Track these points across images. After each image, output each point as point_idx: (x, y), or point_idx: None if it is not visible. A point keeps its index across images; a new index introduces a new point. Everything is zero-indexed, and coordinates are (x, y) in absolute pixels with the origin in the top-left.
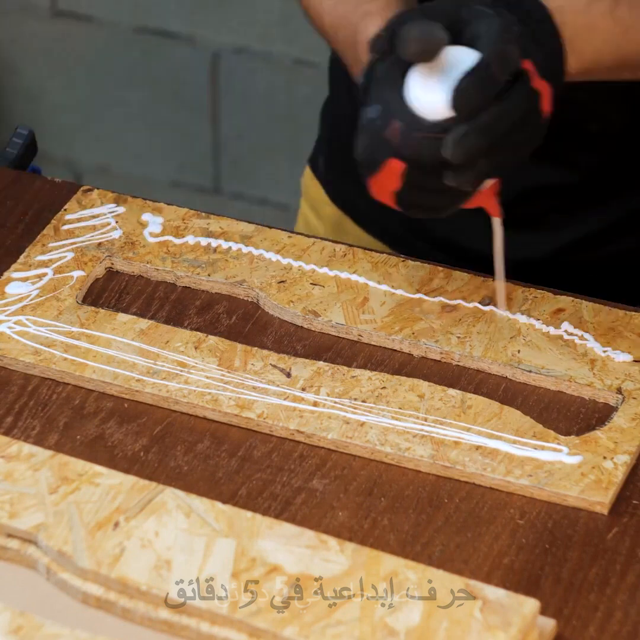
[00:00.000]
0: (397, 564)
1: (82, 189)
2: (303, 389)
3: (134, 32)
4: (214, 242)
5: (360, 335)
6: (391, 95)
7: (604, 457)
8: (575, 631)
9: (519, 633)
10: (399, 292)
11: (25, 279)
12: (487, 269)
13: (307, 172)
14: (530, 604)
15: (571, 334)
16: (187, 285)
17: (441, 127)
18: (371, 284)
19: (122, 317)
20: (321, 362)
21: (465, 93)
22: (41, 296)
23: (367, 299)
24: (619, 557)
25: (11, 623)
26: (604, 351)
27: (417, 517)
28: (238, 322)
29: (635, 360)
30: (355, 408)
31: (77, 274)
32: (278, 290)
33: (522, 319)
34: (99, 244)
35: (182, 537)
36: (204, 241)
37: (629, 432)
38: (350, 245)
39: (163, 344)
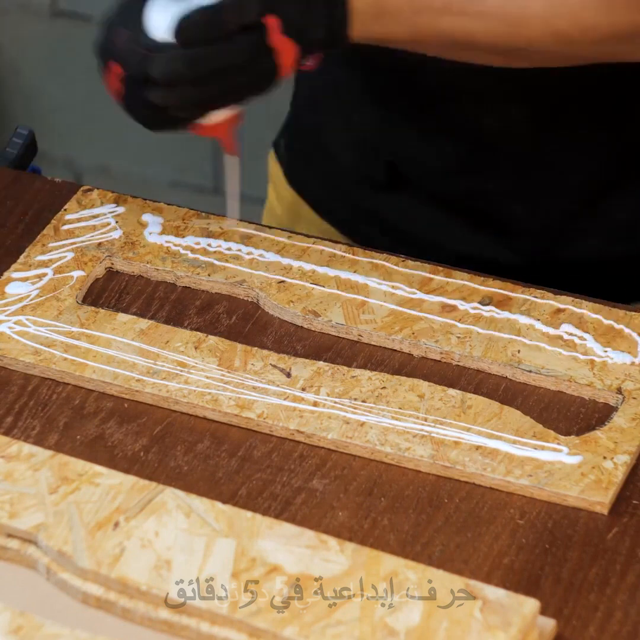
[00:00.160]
0: (397, 564)
1: (82, 189)
2: (303, 389)
3: None
4: (214, 242)
5: (360, 335)
6: (135, 5)
7: (604, 457)
8: (575, 631)
9: (519, 633)
10: (399, 292)
11: (25, 279)
12: (437, 258)
13: (271, 154)
14: (530, 604)
15: (571, 334)
16: (187, 285)
17: (159, 48)
18: (371, 284)
19: (122, 317)
20: (321, 362)
21: (187, 24)
22: (41, 296)
23: (367, 299)
24: (619, 557)
25: (11, 623)
26: (604, 351)
27: (417, 517)
28: (238, 322)
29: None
30: (355, 408)
31: (77, 274)
32: (278, 290)
33: (522, 319)
34: (99, 244)
35: (182, 537)
36: (203, 241)
37: (629, 432)
38: (350, 245)
39: (163, 344)
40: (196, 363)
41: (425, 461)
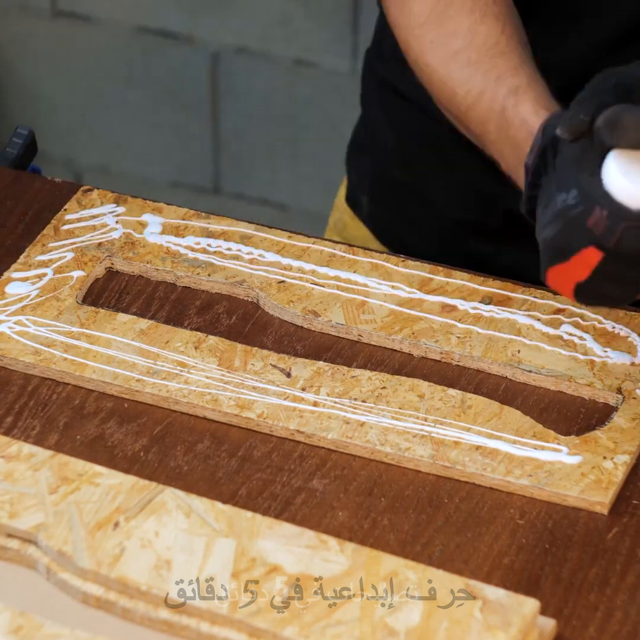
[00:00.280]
0: (397, 564)
1: (82, 189)
2: (303, 389)
3: (134, 32)
4: (214, 242)
5: (360, 335)
6: (590, 180)
7: (604, 457)
8: (575, 631)
9: (519, 633)
10: (399, 292)
11: (25, 279)
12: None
13: (346, 211)
14: (530, 604)
15: (571, 334)
16: (187, 285)
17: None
18: (371, 284)
19: (122, 317)
20: (321, 362)
21: None
22: (41, 296)
23: (367, 299)
24: (619, 557)
25: (11, 623)
26: (604, 351)
27: (417, 517)
28: (238, 322)
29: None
30: (355, 408)
31: (77, 274)
32: (278, 290)
33: (522, 319)
34: (99, 244)
35: (182, 537)
36: (204, 241)
37: (629, 432)
38: (351, 245)
39: (163, 344)
40: (196, 363)
41: (425, 461)
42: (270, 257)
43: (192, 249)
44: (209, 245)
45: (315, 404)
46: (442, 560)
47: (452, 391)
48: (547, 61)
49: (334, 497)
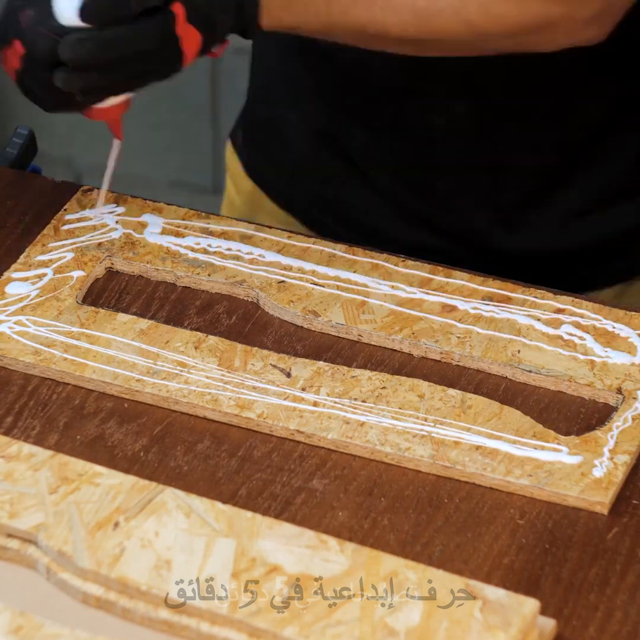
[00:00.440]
0: (397, 564)
1: (82, 189)
2: (303, 389)
3: None
4: (214, 242)
5: (360, 335)
6: None
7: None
8: (575, 631)
9: (519, 633)
10: (399, 292)
11: (25, 279)
12: (396, 249)
13: (228, 146)
14: (530, 604)
15: (571, 334)
16: (187, 285)
17: (66, 31)
18: (371, 283)
19: (122, 317)
20: (321, 362)
21: (94, 5)
22: (41, 296)
23: (367, 299)
24: (619, 557)
25: (11, 623)
26: (604, 351)
27: (417, 517)
28: (238, 322)
29: None
30: (355, 408)
31: (77, 274)
32: (278, 290)
33: (522, 319)
34: (99, 244)
35: (182, 537)
36: (204, 241)
37: (629, 432)
38: (350, 245)
39: (163, 344)
40: (196, 363)
41: (425, 461)
42: (270, 257)
43: (192, 249)
44: (209, 245)
45: (315, 404)
46: (442, 560)
47: (452, 391)
48: None
49: (334, 497)
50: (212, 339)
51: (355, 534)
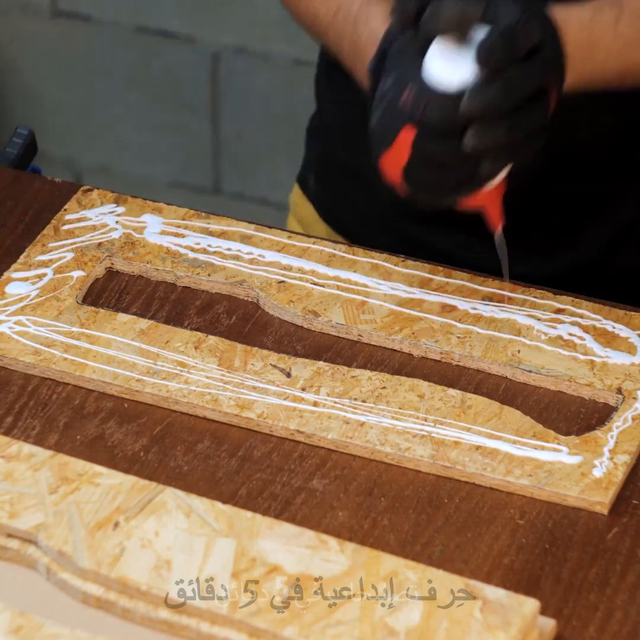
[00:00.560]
0: (397, 564)
1: (82, 189)
2: (303, 389)
3: (134, 32)
4: (214, 242)
5: (360, 335)
6: (408, 65)
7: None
8: (575, 631)
9: (519, 633)
10: (399, 292)
11: (25, 279)
12: (485, 271)
13: (296, 191)
14: (530, 604)
15: (571, 334)
16: (187, 285)
17: (459, 91)
18: (371, 283)
19: (122, 317)
20: (321, 362)
21: (491, 47)
22: (41, 296)
23: (367, 299)
24: (619, 557)
25: (11, 623)
26: (604, 351)
27: (417, 517)
28: (238, 322)
29: None
30: (355, 408)
31: (77, 274)
32: (278, 290)
33: (522, 319)
34: (99, 244)
35: (182, 537)
36: (204, 241)
37: (629, 432)
38: (351, 245)
39: (163, 344)
40: (196, 363)
41: (425, 461)
42: (270, 257)
43: (192, 249)
44: (209, 245)
45: (315, 404)
46: (442, 560)
47: (452, 391)
48: None
49: (334, 497)
50: (212, 339)
51: (355, 534)
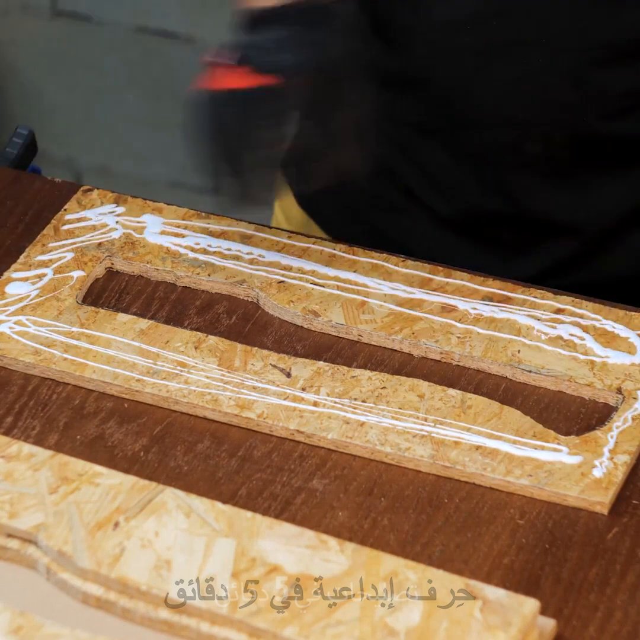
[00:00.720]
0: (397, 564)
1: (82, 189)
2: (303, 389)
3: (134, 32)
4: (214, 242)
5: (360, 335)
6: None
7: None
8: (575, 631)
9: (519, 633)
10: (399, 292)
11: (25, 279)
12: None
13: (279, 174)
14: (530, 604)
15: (571, 334)
16: (187, 285)
17: None
18: (371, 284)
19: (122, 317)
20: (321, 362)
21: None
22: (41, 296)
23: (367, 299)
24: (619, 557)
25: (11, 623)
26: (604, 351)
27: (417, 517)
28: (238, 322)
29: None
30: (355, 408)
31: (77, 274)
32: (278, 290)
33: (522, 319)
34: (99, 244)
35: (182, 537)
36: (204, 241)
37: (629, 432)
38: (351, 245)
39: (163, 344)
40: (196, 363)
41: (425, 461)
42: (270, 257)
43: (192, 249)
44: (209, 245)
45: (315, 404)
46: (442, 560)
47: (452, 391)
48: None
49: (334, 497)
50: (212, 339)
51: (355, 534)
